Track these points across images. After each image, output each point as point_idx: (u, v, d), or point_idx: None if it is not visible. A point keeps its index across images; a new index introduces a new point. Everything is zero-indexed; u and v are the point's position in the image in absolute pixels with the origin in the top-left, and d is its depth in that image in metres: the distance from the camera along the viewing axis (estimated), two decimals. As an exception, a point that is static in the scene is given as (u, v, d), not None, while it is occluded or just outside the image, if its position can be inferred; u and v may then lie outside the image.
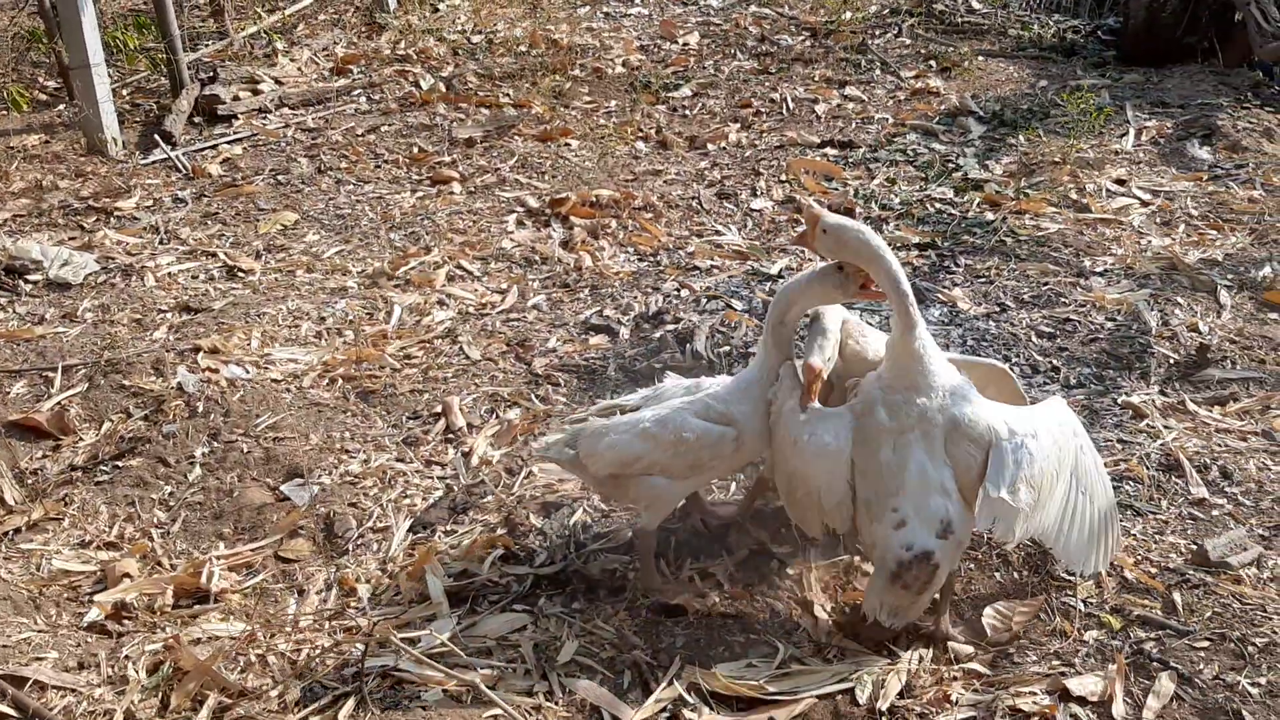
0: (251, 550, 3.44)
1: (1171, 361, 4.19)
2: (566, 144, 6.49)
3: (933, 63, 7.77)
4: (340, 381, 4.21)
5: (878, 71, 7.67)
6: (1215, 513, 3.38)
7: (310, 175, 6.18)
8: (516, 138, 6.60)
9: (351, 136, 6.71)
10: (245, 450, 3.85)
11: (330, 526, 3.48)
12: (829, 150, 6.40)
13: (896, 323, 2.80)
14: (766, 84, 7.51)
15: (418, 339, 4.47)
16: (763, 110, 7.08)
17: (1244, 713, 2.67)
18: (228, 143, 6.68)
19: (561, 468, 3.30)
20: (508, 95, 7.30)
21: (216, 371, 4.25)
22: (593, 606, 3.08)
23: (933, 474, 2.78)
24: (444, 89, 7.45)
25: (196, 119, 6.98)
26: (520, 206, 5.69)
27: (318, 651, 2.94)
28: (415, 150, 6.47)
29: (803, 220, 2.85)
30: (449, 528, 3.43)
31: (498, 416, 3.97)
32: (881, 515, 2.79)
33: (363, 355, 4.33)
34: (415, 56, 8.08)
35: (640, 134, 6.68)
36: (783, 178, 6.01)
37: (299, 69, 7.96)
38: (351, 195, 5.91)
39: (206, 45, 7.94)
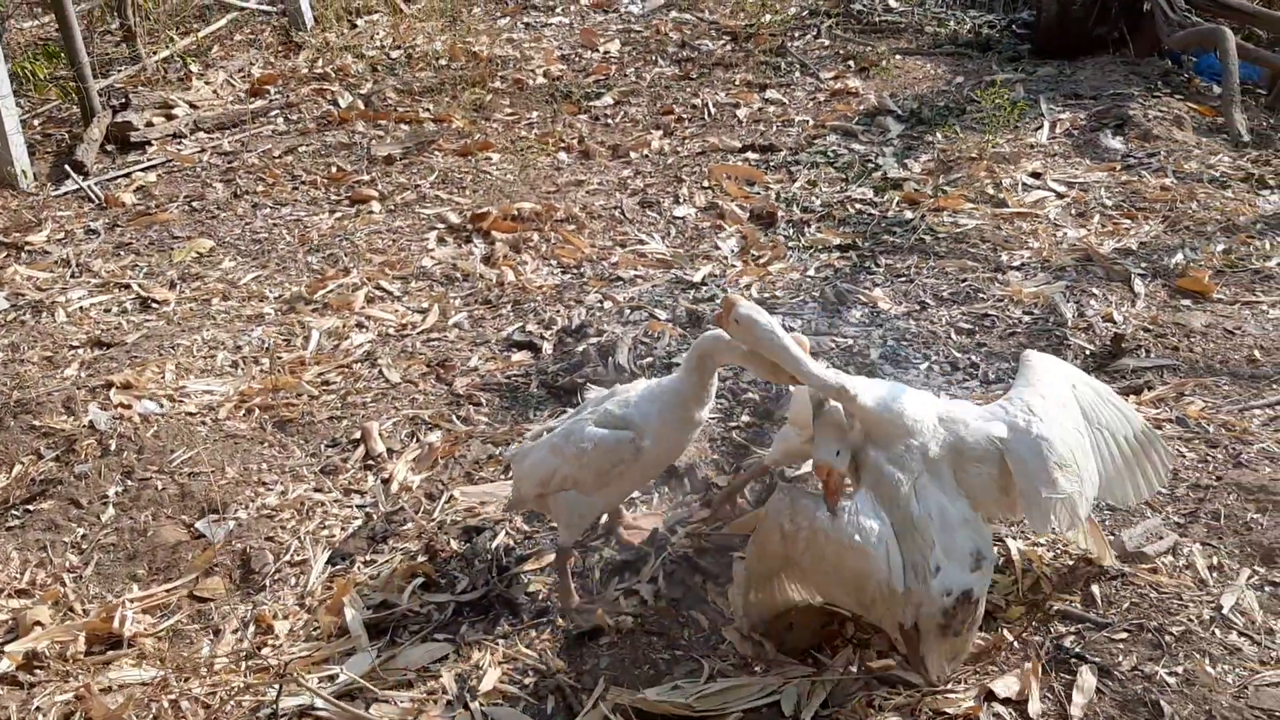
0: (166, 591, 3.36)
1: (1088, 353, 4.23)
2: (487, 158, 6.45)
3: (851, 63, 7.82)
4: (257, 412, 4.13)
5: (797, 74, 7.70)
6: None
7: (226, 200, 6.08)
8: (437, 153, 6.54)
9: (268, 158, 6.61)
10: (160, 487, 3.76)
11: (247, 562, 3.40)
12: (750, 154, 6.41)
13: (852, 413, 2.76)
14: (688, 90, 7.51)
15: (336, 364, 4.41)
16: (685, 116, 7.08)
17: (1162, 703, 2.69)
18: (141, 170, 6.55)
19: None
20: (428, 110, 7.23)
21: (129, 407, 4.16)
22: (516, 631, 3.04)
23: (951, 510, 2.70)
24: (363, 106, 7.37)
25: (109, 147, 6.84)
26: (441, 223, 5.63)
27: (232, 694, 2.87)
28: (334, 170, 6.38)
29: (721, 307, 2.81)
30: (369, 558, 3.37)
31: (418, 440, 3.91)
32: (924, 573, 2.63)
33: (279, 383, 4.25)
34: (333, 74, 7.99)
35: (562, 144, 6.65)
36: (705, 184, 6.01)
37: (214, 92, 7.83)
38: (268, 219, 5.82)
39: (119, 71, 7.80)
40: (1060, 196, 5.62)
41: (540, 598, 3.14)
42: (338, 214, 5.83)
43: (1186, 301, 4.58)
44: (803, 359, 2.68)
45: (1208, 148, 6.10)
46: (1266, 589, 3.03)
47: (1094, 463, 2.84)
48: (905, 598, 2.63)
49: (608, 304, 4.70)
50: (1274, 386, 3.95)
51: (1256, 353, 4.17)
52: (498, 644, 2.99)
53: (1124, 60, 7.41)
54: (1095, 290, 4.69)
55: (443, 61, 8.17)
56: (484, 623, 3.08)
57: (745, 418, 3.89)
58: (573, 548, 3.10)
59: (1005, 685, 2.76)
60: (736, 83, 7.58)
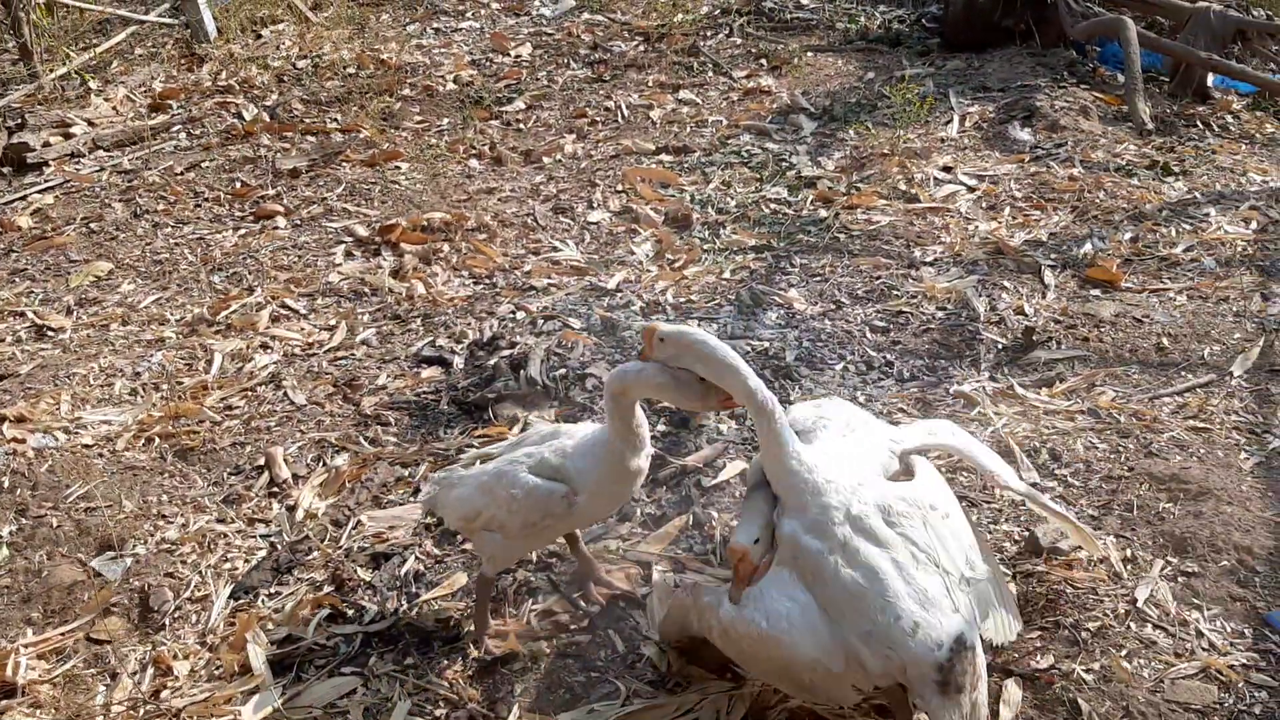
0: (61, 634, 3.20)
1: (1000, 346, 4.24)
2: (396, 167, 6.31)
3: (763, 61, 7.80)
4: (157, 441, 3.98)
5: (710, 73, 7.66)
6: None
7: (125, 220, 5.88)
8: (344, 164, 6.40)
9: (170, 176, 6.41)
10: (55, 525, 3.60)
11: (145, 601, 3.26)
12: (664, 156, 6.36)
13: (764, 442, 2.50)
14: (601, 92, 7.44)
15: (239, 387, 4.27)
16: (598, 119, 7.01)
17: (1080, 701, 2.68)
18: (38, 192, 6.32)
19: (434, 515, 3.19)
20: (335, 120, 7.08)
21: (23, 441, 3.98)
22: (427, 661, 2.95)
23: (907, 558, 2.42)
24: (268, 119, 7.19)
25: (4, 170, 6.60)
26: (349, 236, 5.50)
27: (127, 743, 2.75)
28: (238, 185, 6.21)
29: (644, 335, 2.64)
30: (273, 590, 3.25)
31: (325, 464, 3.79)
32: (891, 636, 2.32)
33: (180, 410, 4.10)
34: (238, 87, 7.79)
35: (473, 151, 6.54)
36: (619, 188, 5.94)
37: (114, 108, 7.59)
38: (170, 238, 5.63)
39: (15, 90, 7.53)
40: (971, 190, 5.65)
41: (452, 624, 3.05)
42: (242, 231, 5.67)
43: (1096, 291, 4.61)
44: (751, 373, 2.50)
45: (1113, 136, 6.17)
46: (1179, 579, 3.04)
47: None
48: (851, 672, 2.37)
49: (520, 315, 4.61)
50: (1183, 374, 3.99)
51: (1165, 340, 4.20)
52: (407, 675, 2.89)
53: (1030, 51, 7.48)
54: (1007, 283, 4.71)
55: (350, 70, 8.01)
56: (393, 653, 2.98)
57: (662, 426, 3.82)
58: (495, 578, 3.00)
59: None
60: (649, 84, 7.53)
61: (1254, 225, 5.11)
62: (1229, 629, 2.88)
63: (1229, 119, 6.58)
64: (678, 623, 2.72)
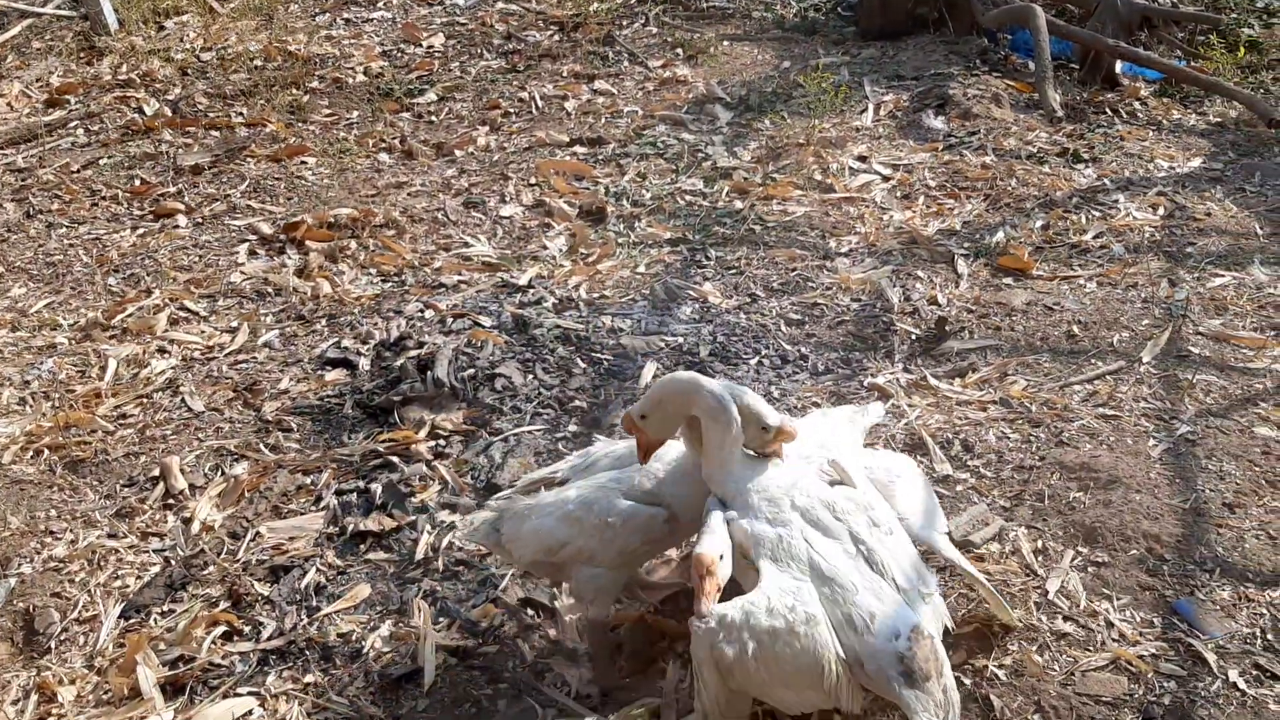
0: (-60, 662, 3.04)
1: (914, 337, 4.22)
2: (303, 162, 6.14)
3: (679, 50, 7.73)
4: (46, 453, 3.80)
5: (626, 63, 7.58)
6: (959, 488, 3.39)
7: (17, 222, 5.64)
8: (249, 160, 6.20)
9: (65, 174, 6.17)
10: (-65, 545, 3.42)
11: (30, 623, 3.11)
12: (579, 148, 6.26)
13: (709, 447, 2.55)
14: (515, 83, 7.31)
15: (134, 395, 4.10)
16: (511, 111, 6.88)
17: (992, 697, 2.66)
18: (-76, 192, 6.04)
19: (492, 551, 3.00)
20: (240, 114, 6.87)
21: (-98, 457, 3.79)
22: (328, 678, 2.84)
23: (853, 545, 2.44)
24: (170, 113, 6.95)
25: (-113, 167, 6.30)
26: (252, 235, 5.33)
27: (6, 777, 2.61)
28: (136, 183, 5.99)
29: (624, 429, 2.60)
30: (166, 608, 3.12)
31: (223, 473, 3.65)
32: (861, 625, 2.31)
33: (71, 420, 3.93)
34: (139, 80, 7.52)
35: (383, 145, 6.39)
36: (533, 181, 5.83)
37: (9, 104, 7.30)
38: (64, 239, 5.42)
39: (-102, 84, 7.21)
40: (886, 179, 5.64)
41: (354, 639, 2.94)
42: (140, 230, 5.46)
43: (1008, 280, 4.62)
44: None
45: (1025, 124, 6.20)
46: (1089, 570, 3.03)
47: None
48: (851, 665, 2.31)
49: (429, 313, 4.50)
50: (1093, 361, 4.00)
51: (1075, 328, 4.22)
52: (307, 694, 2.79)
53: (944, 39, 7.50)
54: (920, 273, 4.69)
55: (257, 62, 7.79)
56: (292, 671, 2.87)
57: (573, 427, 3.74)
58: (606, 618, 2.79)
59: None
60: (564, 74, 7.42)
61: (1161, 211, 5.16)
62: (1138, 619, 2.88)
63: (1137, 105, 6.65)
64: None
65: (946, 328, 4.19)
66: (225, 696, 2.79)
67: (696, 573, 2.33)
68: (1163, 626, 2.85)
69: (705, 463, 2.58)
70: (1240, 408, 3.70)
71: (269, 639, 2.95)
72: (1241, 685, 2.67)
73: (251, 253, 5.18)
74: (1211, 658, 2.74)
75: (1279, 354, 4.02)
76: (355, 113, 6.92)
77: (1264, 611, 2.88)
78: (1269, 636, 2.81)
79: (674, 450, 2.75)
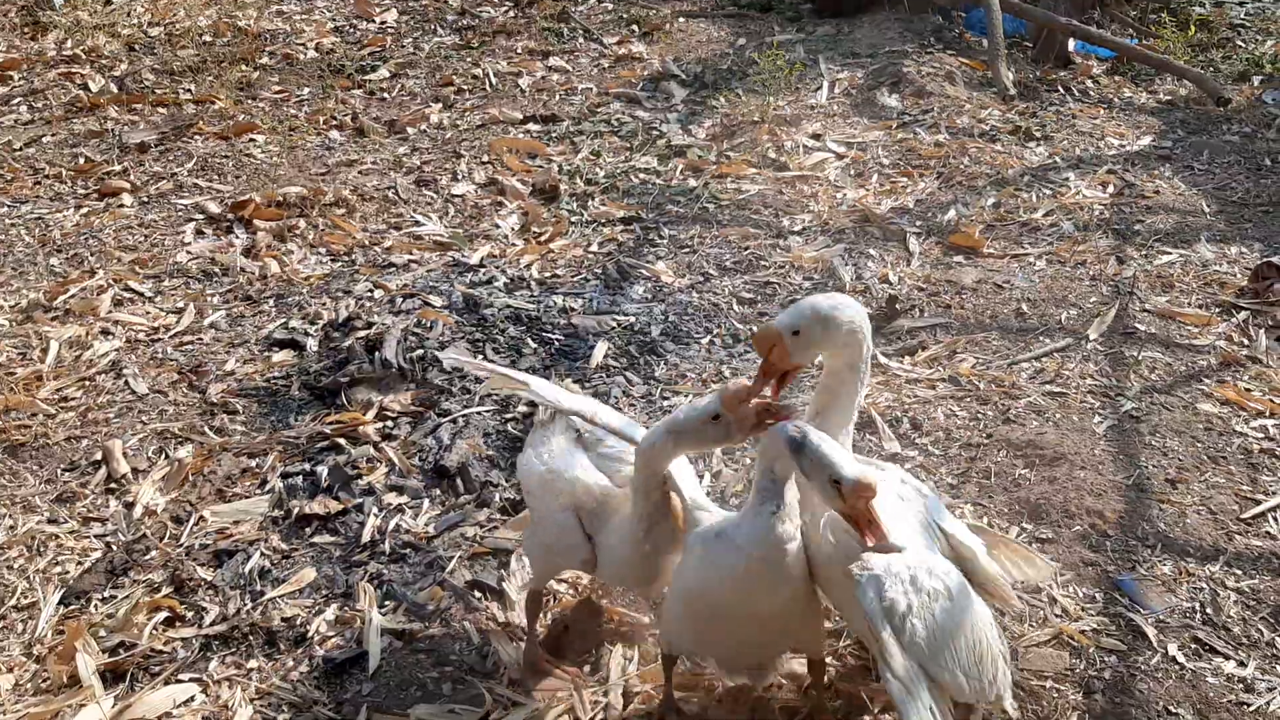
0: (-125, 652, 2.98)
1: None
2: (252, 140, 6.04)
3: (635, 27, 7.69)
4: (-15, 437, 3.73)
5: (581, 40, 7.53)
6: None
7: (-44, 200, 5.52)
8: (196, 137, 6.09)
9: (8, 151, 6.03)
10: None
11: (-33, 611, 3.05)
12: (532, 126, 6.21)
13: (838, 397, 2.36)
14: (468, 60, 7.24)
15: (77, 377, 4.02)
16: (465, 88, 6.81)
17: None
18: None
19: None
20: (188, 91, 6.75)
21: None
22: (272, 663, 2.81)
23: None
24: (116, 90, 6.82)
25: None
26: (199, 214, 5.24)
27: (-60, 768, 2.56)
28: (81, 161, 5.87)
29: (755, 348, 2.35)
30: (107, 594, 3.06)
31: (167, 456, 3.59)
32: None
33: (11, 403, 3.85)
34: (84, 56, 7.37)
35: (334, 122, 6.30)
36: (485, 159, 5.78)
37: (-52, 79, 7.12)
38: (5, 219, 5.29)
39: None
40: (840, 157, 5.64)
41: (299, 623, 2.91)
42: (84, 210, 5.35)
43: (959, 258, 4.63)
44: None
45: (978, 102, 6.22)
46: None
47: None
48: None
49: (379, 293, 4.45)
50: (1041, 339, 4.03)
51: (1024, 306, 4.24)
52: (250, 679, 2.75)
53: (899, 17, 7.51)
54: (873, 251, 4.70)
55: (206, 38, 7.66)
56: (235, 656, 2.83)
57: (522, 408, 3.72)
58: (541, 591, 2.79)
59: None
60: (519, 51, 7.36)
61: (1110, 189, 5.19)
62: (1081, 594, 2.91)
63: (1089, 83, 6.69)
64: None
65: (897, 306, 4.20)
66: (167, 683, 2.75)
67: (862, 496, 2.04)
68: (1105, 602, 2.88)
69: (823, 420, 2.34)
70: (1184, 384, 3.74)
71: (212, 624, 2.91)
72: (1180, 659, 2.70)
73: (198, 232, 5.09)
74: (1152, 632, 2.77)
75: (1223, 330, 4.07)
76: (306, 89, 6.82)
77: (1204, 586, 2.92)
78: (1208, 611, 2.84)
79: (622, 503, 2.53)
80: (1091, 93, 6.58)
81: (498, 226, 5.07)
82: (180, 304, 4.50)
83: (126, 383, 3.98)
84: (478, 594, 2.98)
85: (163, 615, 2.94)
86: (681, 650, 2.55)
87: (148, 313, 4.44)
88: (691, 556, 2.34)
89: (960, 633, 2.12)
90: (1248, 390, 3.70)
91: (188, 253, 4.89)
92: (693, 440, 2.30)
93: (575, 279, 4.58)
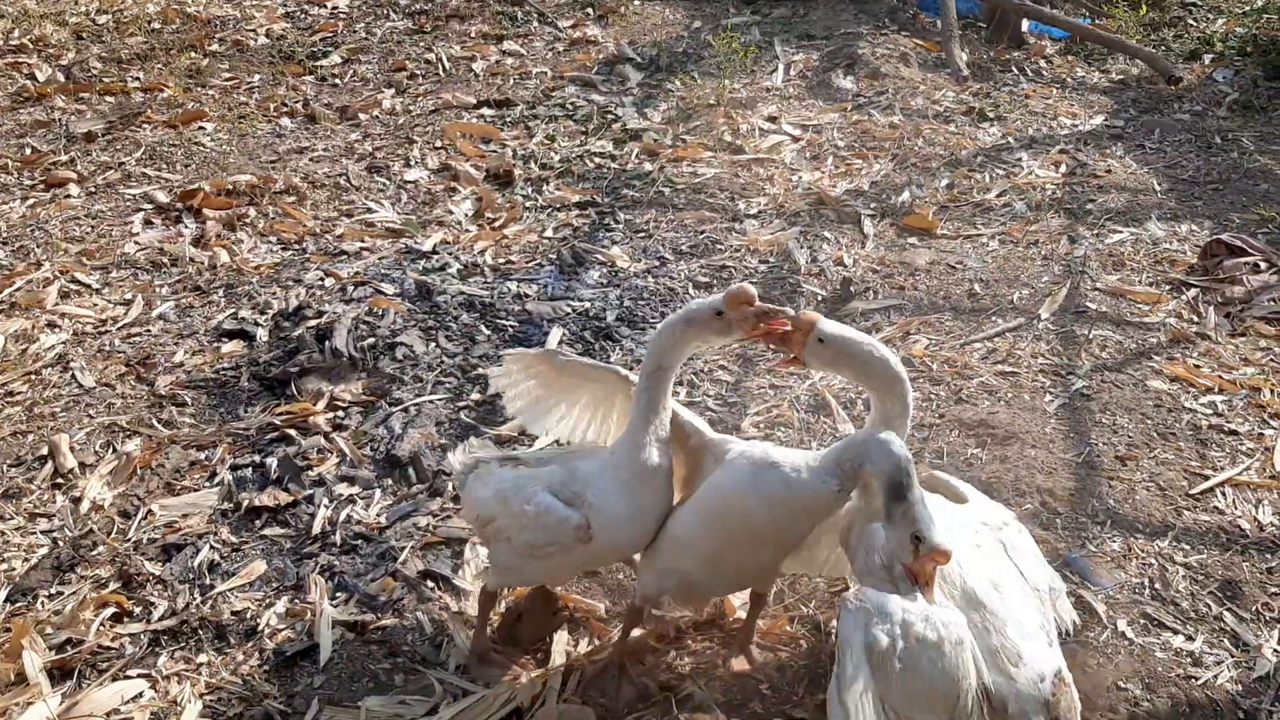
0: None
1: (820, 298, 4.23)
2: (201, 128, 5.96)
3: (590, 10, 7.64)
4: (-73, 434, 3.66)
5: (535, 23, 7.47)
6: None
7: (-103, 192, 5.40)
8: (145, 126, 6.00)
9: (-49, 142, 5.92)
10: None
11: (-91, 611, 2.99)
12: (486, 111, 6.16)
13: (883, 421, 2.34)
14: (421, 44, 7.18)
15: (22, 371, 3.95)
16: (418, 73, 6.75)
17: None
18: None
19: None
20: (137, 79, 6.64)
21: None
22: (222, 657, 2.78)
23: (1006, 576, 2.30)
24: (63, 79, 6.70)
25: None
26: (148, 203, 5.16)
27: (-120, 772, 2.51)
28: (28, 151, 5.76)
29: (789, 327, 2.32)
30: (53, 590, 3.02)
31: (114, 450, 3.54)
32: (1005, 663, 2.17)
33: (-46, 399, 3.79)
34: (31, 45, 7.24)
35: (285, 109, 6.22)
36: (438, 144, 5.73)
37: (-111, 68, 6.97)
38: (-52, 210, 5.20)
39: None
40: (795, 140, 5.64)
41: (249, 616, 2.88)
42: (30, 201, 5.26)
43: (913, 239, 4.65)
44: (903, 375, 2.31)
45: (932, 83, 6.23)
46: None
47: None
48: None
49: (330, 281, 4.40)
50: (993, 319, 4.05)
51: (977, 286, 4.26)
52: (199, 674, 2.72)
53: (853, -1, 7.52)
54: (828, 234, 4.71)
55: (155, 25, 7.54)
56: (184, 651, 2.80)
57: (475, 395, 3.69)
58: (497, 593, 2.74)
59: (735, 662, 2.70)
60: (472, 35, 7.30)
61: (1063, 169, 5.22)
62: (1032, 572, 2.92)
63: (1042, 64, 6.73)
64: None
65: (852, 288, 4.21)
66: (115, 679, 2.71)
67: (935, 560, 2.08)
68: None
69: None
70: (1134, 362, 3.78)
71: (160, 619, 2.88)
72: (1130, 634, 2.73)
73: (147, 222, 5.02)
74: (1101, 608, 2.79)
75: (1173, 308, 4.10)
76: (256, 76, 6.74)
77: (1152, 562, 2.95)
78: (1157, 586, 2.87)
79: (601, 455, 2.54)
80: (1045, 73, 6.61)
81: (451, 212, 5.03)
82: (128, 295, 4.43)
83: (73, 376, 3.92)
84: (430, 584, 2.96)
85: (110, 611, 2.90)
86: (662, 588, 2.53)
87: (95, 305, 4.38)
88: (737, 473, 2.35)
89: (939, 687, 2.07)
90: (1197, 367, 3.74)
91: (136, 243, 4.82)
92: (697, 331, 2.37)
93: (530, 265, 4.56)
